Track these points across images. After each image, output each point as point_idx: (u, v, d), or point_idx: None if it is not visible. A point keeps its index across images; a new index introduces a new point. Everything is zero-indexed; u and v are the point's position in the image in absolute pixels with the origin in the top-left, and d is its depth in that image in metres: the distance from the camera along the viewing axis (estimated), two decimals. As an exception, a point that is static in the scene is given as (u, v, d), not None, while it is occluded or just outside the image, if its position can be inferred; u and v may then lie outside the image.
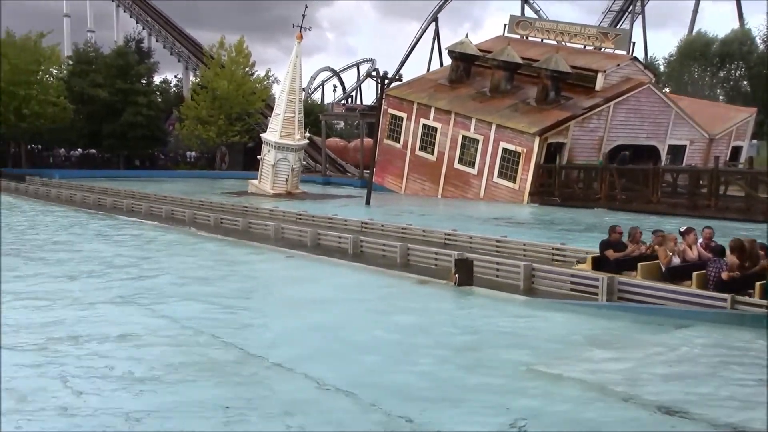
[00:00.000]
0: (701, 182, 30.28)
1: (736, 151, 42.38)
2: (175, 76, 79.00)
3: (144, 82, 64.42)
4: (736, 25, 63.64)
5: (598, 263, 12.51)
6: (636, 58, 41.13)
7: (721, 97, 57.97)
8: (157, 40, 74.02)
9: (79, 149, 65.63)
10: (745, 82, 59.53)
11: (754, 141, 45.94)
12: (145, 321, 9.90)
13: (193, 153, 67.97)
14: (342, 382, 7.24)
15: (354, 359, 8.27)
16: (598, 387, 7.30)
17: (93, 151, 64.27)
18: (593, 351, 8.77)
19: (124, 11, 78.60)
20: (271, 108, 48.31)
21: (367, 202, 32.03)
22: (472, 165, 37.76)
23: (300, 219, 22.70)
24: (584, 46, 42.04)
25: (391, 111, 42.60)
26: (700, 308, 10.33)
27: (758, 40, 59.97)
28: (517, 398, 6.95)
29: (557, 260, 14.78)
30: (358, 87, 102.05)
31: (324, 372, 7.53)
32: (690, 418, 6.50)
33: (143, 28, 74.80)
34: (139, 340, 8.89)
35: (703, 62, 59.61)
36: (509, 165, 35.82)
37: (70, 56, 66.89)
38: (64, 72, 62.76)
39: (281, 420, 6.28)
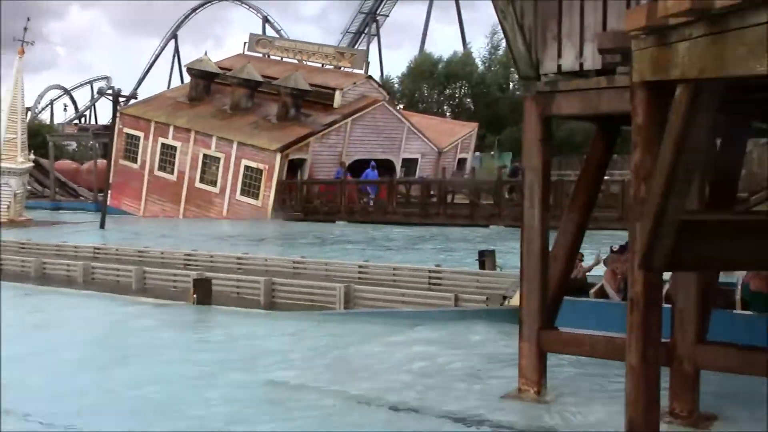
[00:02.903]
0: (431, 192, 32.23)
1: (461, 163, 45.90)
2: None
3: None
4: (460, 47, 69.35)
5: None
6: (371, 77, 42.98)
7: (447, 113, 62.48)
8: None
9: None
10: (469, 100, 64.70)
11: (477, 153, 49.93)
12: None
13: None
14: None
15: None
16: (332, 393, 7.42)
17: None
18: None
19: None
20: None
21: (102, 226, 30.18)
22: (214, 183, 37.08)
23: (23, 248, 20.72)
24: (323, 65, 43.13)
25: (126, 130, 40.56)
26: (429, 308, 10.99)
27: (479, 62, 65.68)
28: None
29: (299, 273, 14.95)
30: (92, 106, 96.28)
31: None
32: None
33: None
34: None
35: (432, 81, 63.85)
36: (252, 182, 35.67)
37: None
38: None
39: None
